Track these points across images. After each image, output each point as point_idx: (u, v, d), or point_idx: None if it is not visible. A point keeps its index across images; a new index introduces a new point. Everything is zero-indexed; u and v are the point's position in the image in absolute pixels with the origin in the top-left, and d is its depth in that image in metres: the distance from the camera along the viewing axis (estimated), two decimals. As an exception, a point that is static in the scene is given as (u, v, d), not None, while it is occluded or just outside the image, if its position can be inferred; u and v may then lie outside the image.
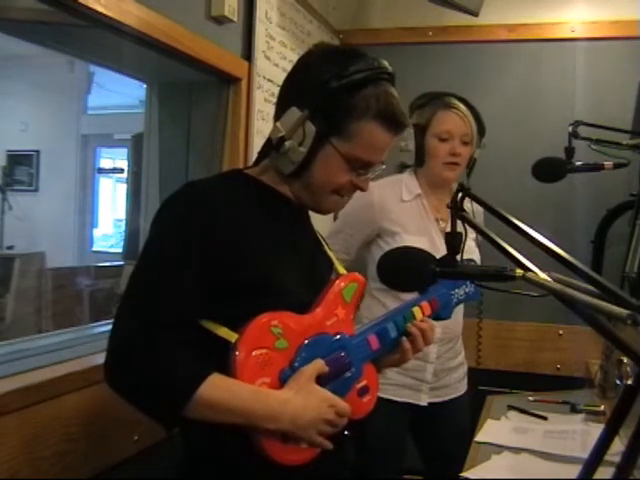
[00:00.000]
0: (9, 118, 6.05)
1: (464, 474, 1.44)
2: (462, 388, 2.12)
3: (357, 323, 1.30)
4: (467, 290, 1.41)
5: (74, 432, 1.49)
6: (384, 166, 1.22)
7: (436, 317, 1.35)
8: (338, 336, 1.17)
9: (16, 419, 1.34)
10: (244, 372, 1.05)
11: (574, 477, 0.83)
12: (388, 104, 1.15)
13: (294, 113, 1.14)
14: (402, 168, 2.09)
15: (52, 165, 6.24)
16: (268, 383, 1.06)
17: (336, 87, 1.12)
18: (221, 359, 1.05)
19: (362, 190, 1.21)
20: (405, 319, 1.27)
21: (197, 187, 1.16)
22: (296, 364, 1.09)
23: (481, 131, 2.01)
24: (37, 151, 6.26)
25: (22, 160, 6.28)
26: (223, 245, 1.08)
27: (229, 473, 1.12)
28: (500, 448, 1.60)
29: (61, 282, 3.95)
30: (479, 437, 1.68)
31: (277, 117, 1.19)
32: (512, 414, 1.88)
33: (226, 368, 1.04)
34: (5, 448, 1.30)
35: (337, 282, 1.21)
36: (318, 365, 1.11)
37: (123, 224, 6.36)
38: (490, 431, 1.73)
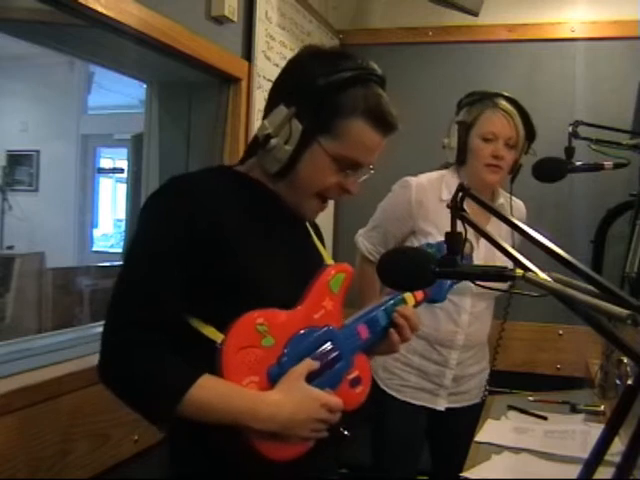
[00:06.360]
0: (9, 118, 6.05)
1: (464, 474, 1.44)
2: (481, 395, 2.08)
3: None
4: None
5: (74, 432, 1.49)
6: (372, 171, 1.20)
7: (431, 300, 1.32)
8: (326, 328, 1.15)
9: (16, 419, 1.34)
10: (231, 372, 1.04)
11: (574, 477, 0.83)
12: (377, 104, 1.14)
13: (281, 111, 1.13)
14: (446, 167, 2.04)
15: (52, 165, 6.22)
16: (257, 382, 1.05)
17: (324, 85, 1.11)
18: (210, 358, 1.04)
19: (350, 193, 1.19)
20: (395, 306, 1.25)
21: (182, 180, 1.15)
22: (283, 359, 1.08)
23: (530, 136, 1.94)
24: (37, 151, 6.24)
25: (22, 160, 6.27)
26: (207, 238, 1.07)
27: (216, 467, 1.11)
28: (500, 448, 1.59)
29: (61, 282, 3.94)
30: (479, 437, 1.68)
31: (265, 116, 1.19)
32: (512, 414, 1.88)
33: (214, 367, 1.04)
34: (5, 448, 1.30)
35: (324, 273, 1.19)
36: (307, 364, 1.10)
37: (123, 224, 6.36)
38: (490, 431, 1.72)
